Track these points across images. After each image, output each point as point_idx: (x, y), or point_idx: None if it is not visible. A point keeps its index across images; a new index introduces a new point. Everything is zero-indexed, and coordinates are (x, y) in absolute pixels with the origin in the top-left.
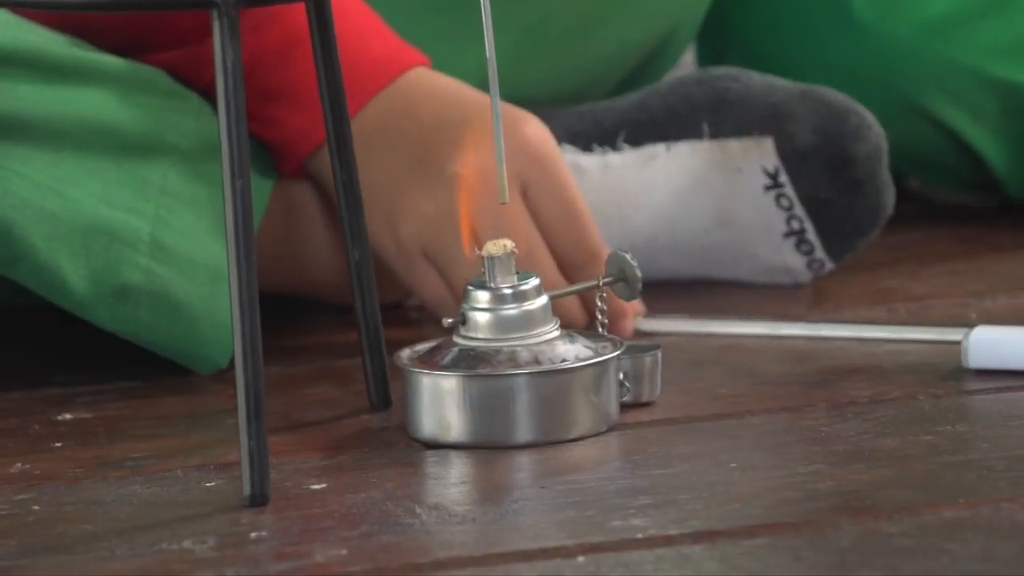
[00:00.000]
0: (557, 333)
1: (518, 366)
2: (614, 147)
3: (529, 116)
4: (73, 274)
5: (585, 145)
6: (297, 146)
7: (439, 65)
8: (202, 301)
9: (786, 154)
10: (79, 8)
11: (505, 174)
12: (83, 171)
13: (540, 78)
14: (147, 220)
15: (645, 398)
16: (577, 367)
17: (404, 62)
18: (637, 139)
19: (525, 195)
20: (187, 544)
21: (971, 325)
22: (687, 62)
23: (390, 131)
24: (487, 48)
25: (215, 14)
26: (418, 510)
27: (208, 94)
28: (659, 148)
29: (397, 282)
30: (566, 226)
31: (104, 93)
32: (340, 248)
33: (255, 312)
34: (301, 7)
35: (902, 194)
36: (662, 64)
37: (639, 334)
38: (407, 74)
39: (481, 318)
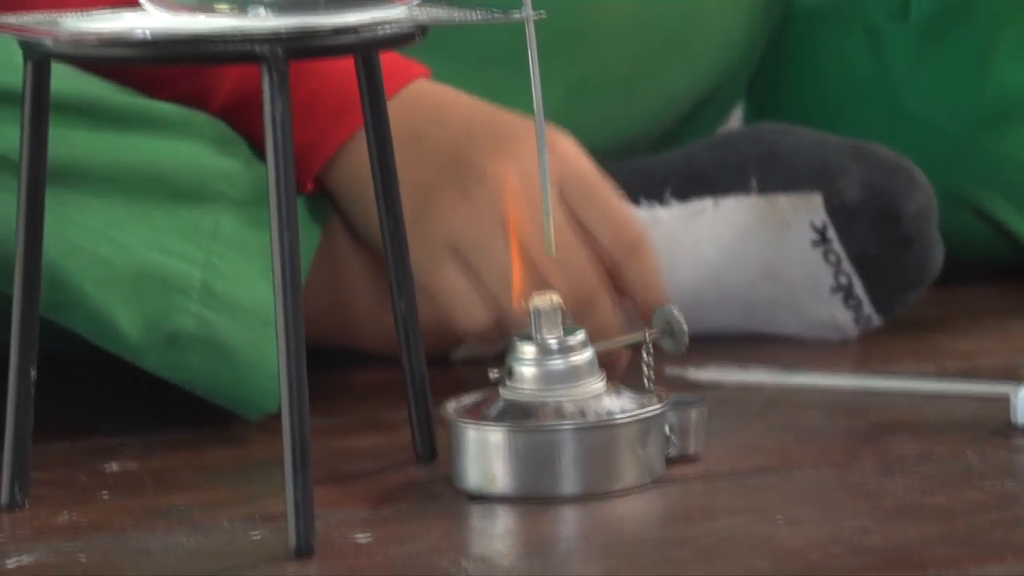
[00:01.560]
0: (603, 386)
1: (564, 419)
2: (661, 201)
3: (561, 133)
4: (125, 320)
5: (632, 198)
6: (305, 162)
7: None
8: (252, 346)
9: (834, 209)
10: (128, 62)
11: (552, 227)
12: (135, 217)
13: (588, 132)
14: (198, 266)
15: (691, 451)
16: (623, 421)
17: (410, 72)
18: (685, 193)
19: (562, 200)
20: None
21: (1020, 381)
22: (734, 120)
23: (415, 135)
24: (535, 102)
25: (264, 68)
26: (463, 562)
27: (253, 142)
28: (707, 202)
29: (436, 323)
30: (602, 219)
31: (156, 140)
32: (386, 299)
33: (302, 363)
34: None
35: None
36: (709, 121)
37: (686, 386)
38: (416, 83)
39: (527, 371)
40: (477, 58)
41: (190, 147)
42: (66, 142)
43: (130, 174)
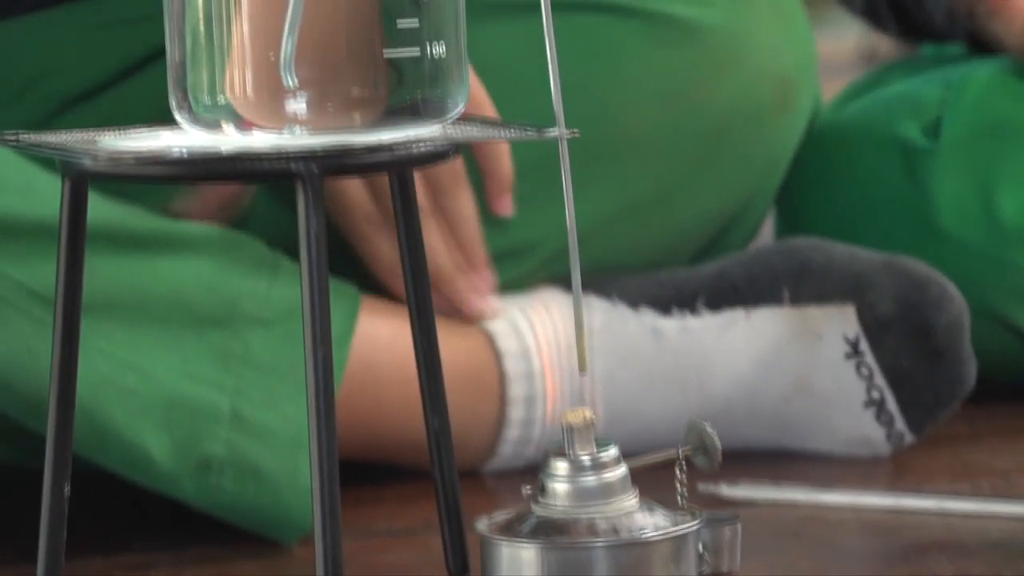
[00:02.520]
0: (636, 503)
1: (597, 536)
2: (693, 311)
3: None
4: (156, 448)
5: (664, 308)
6: None
7: (518, 233)
8: (284, 470)
9: (867, 322)
10: (165, 180)
11: (585, 344)
12: (163, 345)
13: (619, 246)
14: (227, 393)
15: (724, 570)
16: (656, 538)
17: None
18: (717, 304)
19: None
20: None
21: None
22: (766, 232)
23: None
24: (568, 217)
25: (299, 185)
26: None
27: None
28: (739, 313)
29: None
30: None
31: (180, 263)
32: (417, 412)
33: (335, 484)
34: None
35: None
36: (740, 234)
37: (719, 502)
38: None
39: (560, 487)
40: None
41: (214, 269)
42: (89, 270)
43: (155, 301)
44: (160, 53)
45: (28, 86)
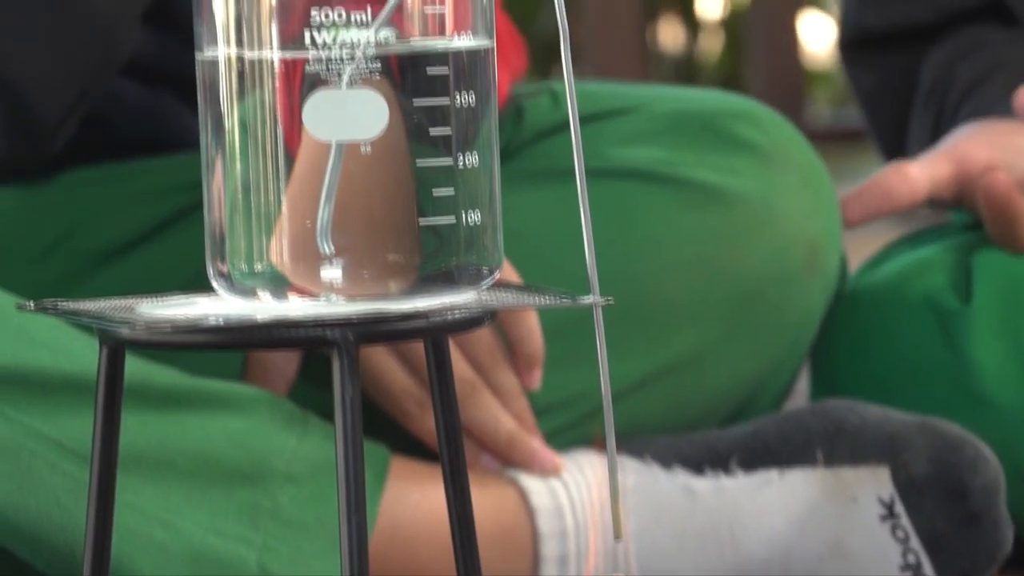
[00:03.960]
0: None
1: None
2: (727, 471)
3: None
4: None
5: (697, 468)
6: None
7: (550, 393)
8: None
9: (902, 484)
10: (201, 348)
11: (621, 511)
12: (192, 501)
13: (652, 408)
14: (255, 549)
15: None
16: None
17: None
18: (750, 464)
19: None
20: None
21: None
22: (800, 392)
23: None
24: (602, 383)
25: (335, 353)
26: None
27: None
28: (772, 474)
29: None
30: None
31: (209, 419)
32: (448, 571)
33: None
34: None
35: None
36: (770, 397)
37: None
38: None
39: None
40: (543, 329)
41: (244, 425)
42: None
43: (184, 456)
44: (190, 212)
45: (58, 243)
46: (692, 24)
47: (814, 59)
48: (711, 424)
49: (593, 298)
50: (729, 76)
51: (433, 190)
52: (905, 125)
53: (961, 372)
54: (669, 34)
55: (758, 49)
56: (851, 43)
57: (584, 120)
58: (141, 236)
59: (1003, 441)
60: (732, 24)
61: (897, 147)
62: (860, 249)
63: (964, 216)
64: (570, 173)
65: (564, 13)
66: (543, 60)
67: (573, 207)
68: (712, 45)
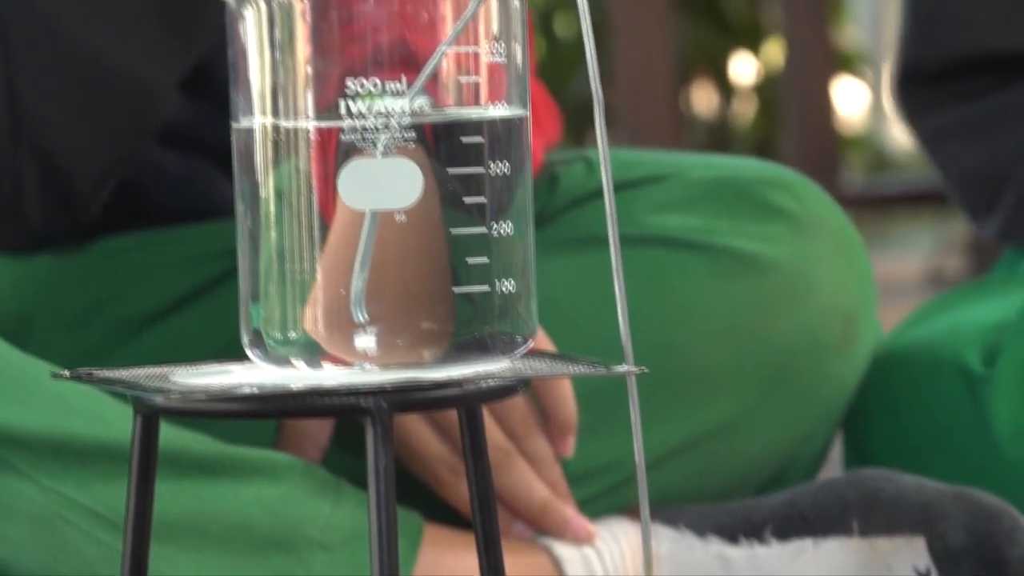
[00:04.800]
0: None
1: None
2: (761, 540)
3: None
4: None
5: (732, 537)
6: None
7: (583, 460)
8: None
9: (938, 554)
10: (236, 416)
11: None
12: (225, 569)
13: (686, 476)
14: None
15: None
16: None
17: None
18: (785, 533)
19: None
20: None
21: None
22: (834, 458)
23: None
24: (636, 452)
25: (368, 421)
26: None
27: None
28: (807, 543)
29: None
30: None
31: (242, 487)
32: None
33: None
34: None
35: None
36: (803, 465)
37: None
38: None
39: None
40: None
41: (276, 492)
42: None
43: (218, 524)
44: (224, 279)
45: (94, 310)
46: (725, 89)
47: (848, 124)
48: (745, 492)
49: (627, 367)
50: (762, 141)
51: (467, 258)
52: (993, 175)
53: (989, 437)
54: (702, 99)
55: (792, 114)
56: (909, 78)
57: (618, 187)
58: (176, 303)
59: None
60: (765, 89)
61: (984, 205)
62: (893, 309)
63: (1004, 273)
64: (604, 240)
65: (598, 80)
66: (577, 124)
67: (607, 274)
68: (745, 110)
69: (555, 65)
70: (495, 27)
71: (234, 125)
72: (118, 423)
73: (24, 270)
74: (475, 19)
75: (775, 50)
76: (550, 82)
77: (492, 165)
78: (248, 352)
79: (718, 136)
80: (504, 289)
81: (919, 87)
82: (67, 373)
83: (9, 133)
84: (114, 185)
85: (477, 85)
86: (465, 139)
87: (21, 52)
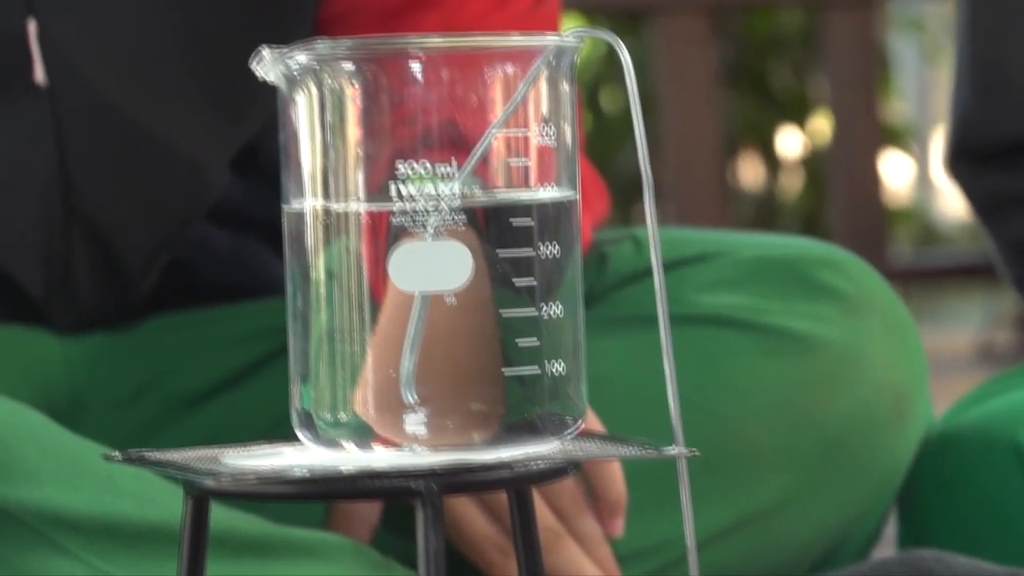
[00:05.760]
0: None
1: None
2: None
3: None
4: None
5: None
6: None
7: (633, 540)
8: None
9: None
10: (286, 499)
11: None
12: None
13: (736, 555)
14: None
15: None
16: None
17: None
18: None
19: None
20: None
21: None
22: (888, 538)
23: None
24: (687, 534)
25: (419, 503)
26: None
27: None
28: None
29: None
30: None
31: (292, 569)
32: None
33: None
34: None
35: None
36: (856, 544)
37: None
38: None
39: None
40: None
41: (327, 573)
42: None
43: None
44: (274, 357)
45: (144, 389)
46: (772, 162)
47: (895, 197)
48: (797, 572)
49: (677, 449)
50: (809, 214)
51: (517, 340)
52: None
53: None
54: (749, 172)
55: (839, 188)
56: (965, 152)
57: (667, 266)
58: (226, 382)
59: None
60: (812, 163)
61: None
62: (943, 384)
63: None
64: (653, 319)
65: (648, 161)
66: (623, 198)
67: (656, 353)
68: (792, 183)
69: (601, 138)
70: (545, 109)
71: (285, 208)
72: (168, 504)
73: (76, 349)
74: (525, 101)
75: (822, 124)
76: (596, 155)
77: (542, 247)
78: (298, 433)
79: (765, 209)
80: (554, 371)
81: (975, 159)
82: (118, 455)
83: (61, 211)
84: (164, 263)
85: (527, 168)
86: (515, 221)
87: (73, 130)
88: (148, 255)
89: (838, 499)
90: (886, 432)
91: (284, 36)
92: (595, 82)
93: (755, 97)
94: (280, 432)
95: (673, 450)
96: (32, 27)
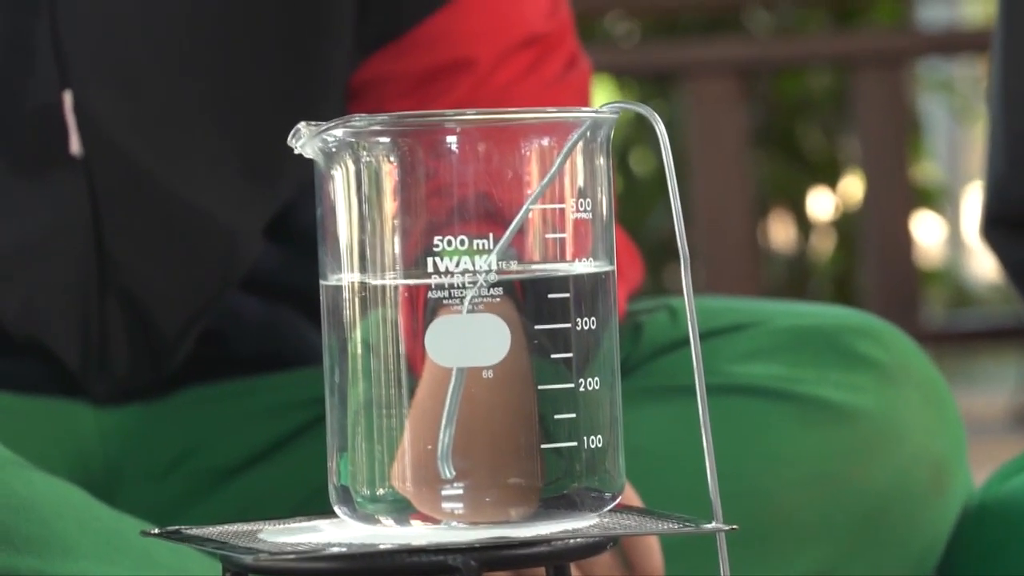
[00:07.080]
0: None
1: None
2: None
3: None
4: None
5: None
6: None
7: None
8: None
9: None
10: None
11: None
12: None
13: None
14: None
15: None
16: None
17: None
18: None
19: None
20: None
21: None
22: None
23: None
24: None
25: None
26: None
27: None
28: None
29: None
30: None
31: None
32: None
33: None
34: None
35: None
36: None
37: None
38: None
39: None
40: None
41: None
42: None
43: None
44: (308, 429)
45: (179, 461)
46: (804, 224)
47: (927, 258)
48: None
49: (716, 525)
50: (841, 276)
51: (555, 414)
52: None
53: None
54: (780, 233)
55: (871, 249)
56: (1001, 217)
57: (703, 336)
58: (260, 454)
59: None
60: (844, 224)
61: None
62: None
63: None
64: (690, 390)
65: (684, 236)
66: (655, 260)
67: (693, 423)
68: (824, 245)
69: (631, 201)
70: (581, 182)
71: (322, 282)
72: None
73: (111, 421)
74: (561, 174)
75: (853, 185)
76: (626, 218)
77: (579, 321)
78: (335, 509)
79: (796, 271)
80: (592, 444)
81: (1010, 226)
82: (156, 531)
83: (98, 281)
84: (198, 333)
85: (563, 241)
86: (552, 295)
87: (107, 199)
88: (183, 324)
89: (877, 571)
90: (925, 503)
91: (317, 103)
92: (625, 144)
93: (786, 159)
94: (315, 505)
95: (711, 526)
96: (68, 98)
